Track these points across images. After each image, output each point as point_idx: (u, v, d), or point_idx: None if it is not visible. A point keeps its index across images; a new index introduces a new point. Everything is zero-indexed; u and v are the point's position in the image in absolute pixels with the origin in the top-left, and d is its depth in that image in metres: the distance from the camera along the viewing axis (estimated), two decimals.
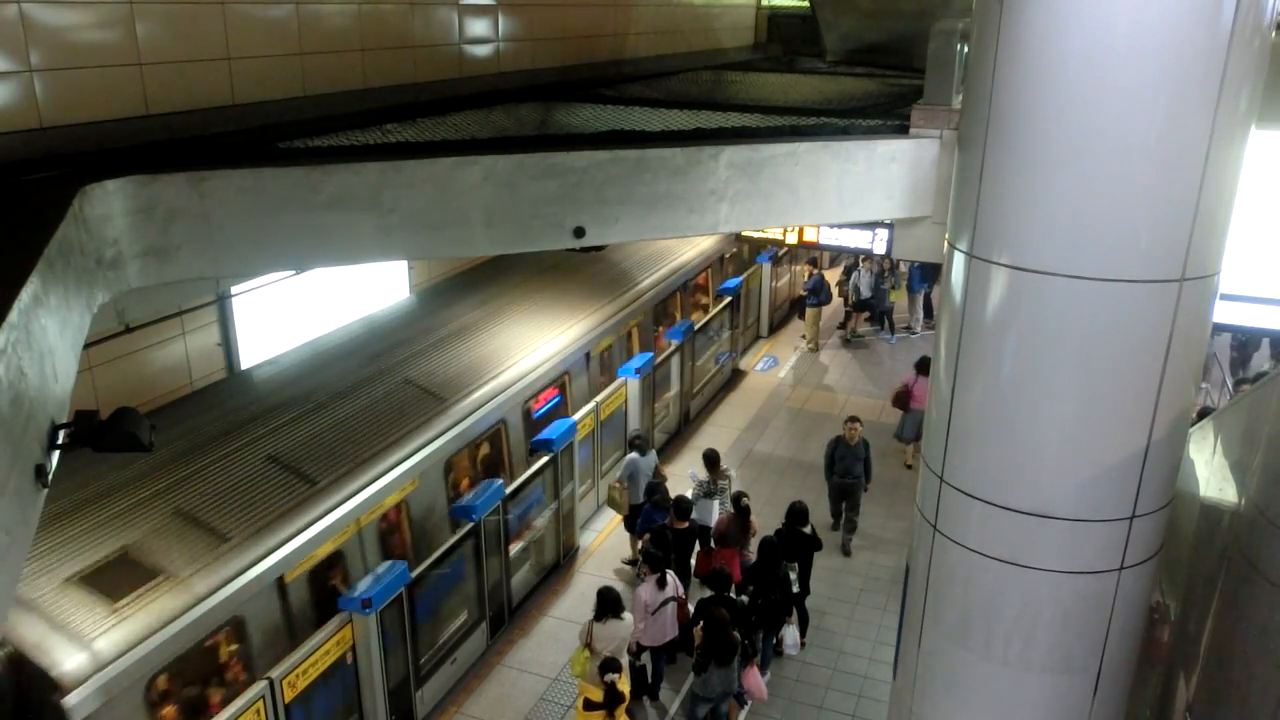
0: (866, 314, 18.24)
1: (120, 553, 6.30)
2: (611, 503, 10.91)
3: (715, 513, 10.06)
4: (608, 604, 7.95)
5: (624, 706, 7.48)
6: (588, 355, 11.76)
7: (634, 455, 10.62)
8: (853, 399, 15.43)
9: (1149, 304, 4.25)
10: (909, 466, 13.06)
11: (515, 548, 9.73)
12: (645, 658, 8.76)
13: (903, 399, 12.69)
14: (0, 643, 5.51)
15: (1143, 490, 4.57)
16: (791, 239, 9.96)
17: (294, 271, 8.90)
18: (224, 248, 5.25)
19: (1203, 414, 10.62)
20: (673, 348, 13.16)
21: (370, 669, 7.46)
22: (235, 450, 7.54)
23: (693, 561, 9.90)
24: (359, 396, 8.71)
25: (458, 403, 9.23)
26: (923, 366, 12.59)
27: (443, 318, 10.60)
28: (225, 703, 6.34)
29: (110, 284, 4.82)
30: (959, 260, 4.70)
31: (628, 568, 10.77)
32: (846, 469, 11.06)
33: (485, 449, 9.84)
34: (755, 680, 8.25)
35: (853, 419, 11.11)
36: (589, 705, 7.53)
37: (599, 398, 11.44)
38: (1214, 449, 5.95)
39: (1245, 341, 14.88)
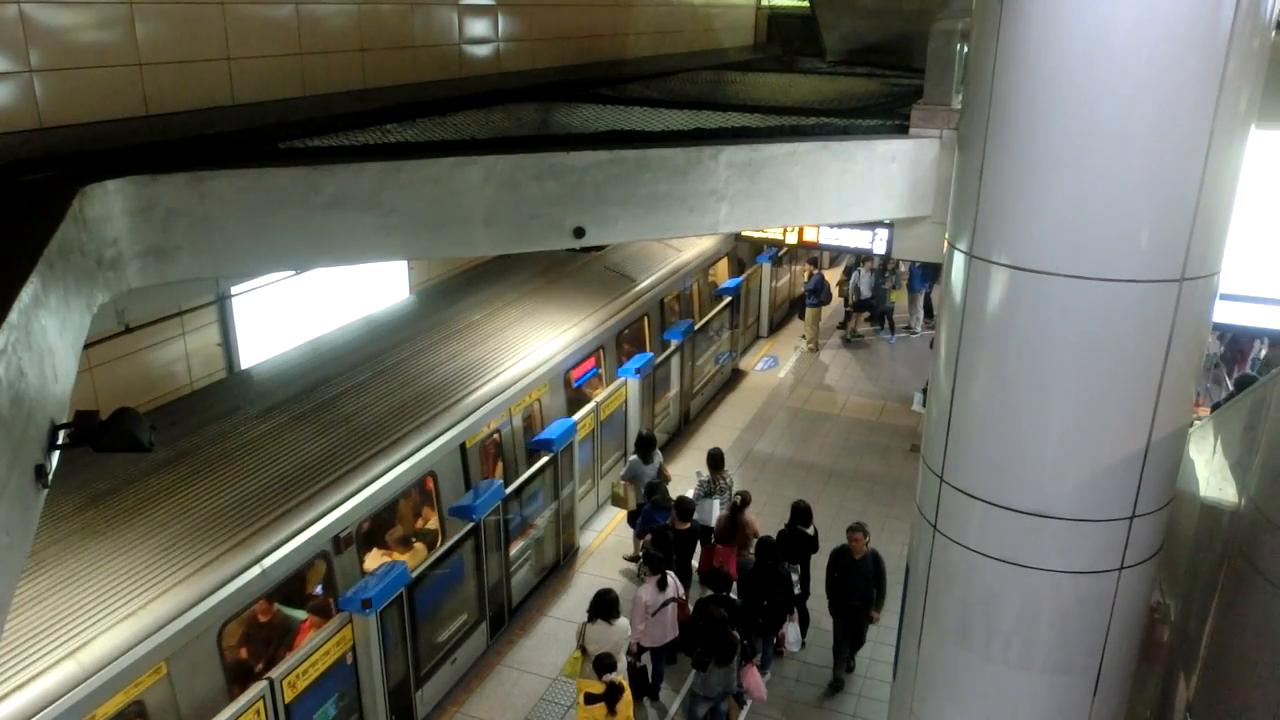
0: (866, 314, 18.25)
1: None
2: (615, 499, 10.96)
3: (716, 512, 10.07)
4: (600, 606, 7.95)
5: (626, 698, 7.46)
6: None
7: (635, 459, 10.62)
8: (853, 399, 15.43)
9: (1149, 304, 4.24)
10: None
11: (515, 547, 9.72)
12: (645, 658, 8.76)
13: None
14: None
15: (1143, 490, 4.57)
16: (791, 239, 9.99)
17: (294, 271, 8.90)
18: (224, 248, 5.24)
19: (1242, 384, 10.43)
20: (673, 348, 13.16)
21: (370, 669, 7.45)
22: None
23: (694, 563, 9.90)
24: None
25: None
26: None
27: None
28: None
29: (110, 284, 4.82)
30: (959, 260, 4.70)
31: (630, 566, 10.76)
32: (853, 589, 8.78)
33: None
34: (754, 679, 8.25)
35: (856, 527, 8.78)
36: (589, 699, 7.54)
37: (599, 397, 11.44)
38: (1214, 449, 5.95)
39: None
